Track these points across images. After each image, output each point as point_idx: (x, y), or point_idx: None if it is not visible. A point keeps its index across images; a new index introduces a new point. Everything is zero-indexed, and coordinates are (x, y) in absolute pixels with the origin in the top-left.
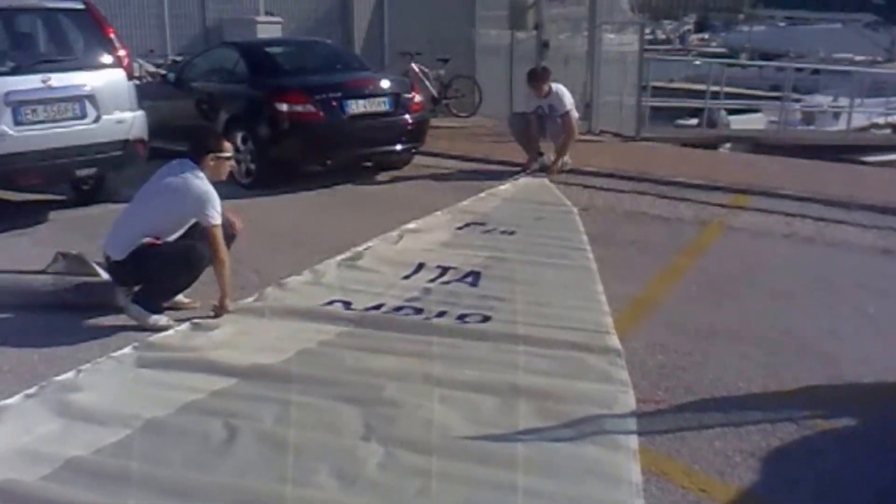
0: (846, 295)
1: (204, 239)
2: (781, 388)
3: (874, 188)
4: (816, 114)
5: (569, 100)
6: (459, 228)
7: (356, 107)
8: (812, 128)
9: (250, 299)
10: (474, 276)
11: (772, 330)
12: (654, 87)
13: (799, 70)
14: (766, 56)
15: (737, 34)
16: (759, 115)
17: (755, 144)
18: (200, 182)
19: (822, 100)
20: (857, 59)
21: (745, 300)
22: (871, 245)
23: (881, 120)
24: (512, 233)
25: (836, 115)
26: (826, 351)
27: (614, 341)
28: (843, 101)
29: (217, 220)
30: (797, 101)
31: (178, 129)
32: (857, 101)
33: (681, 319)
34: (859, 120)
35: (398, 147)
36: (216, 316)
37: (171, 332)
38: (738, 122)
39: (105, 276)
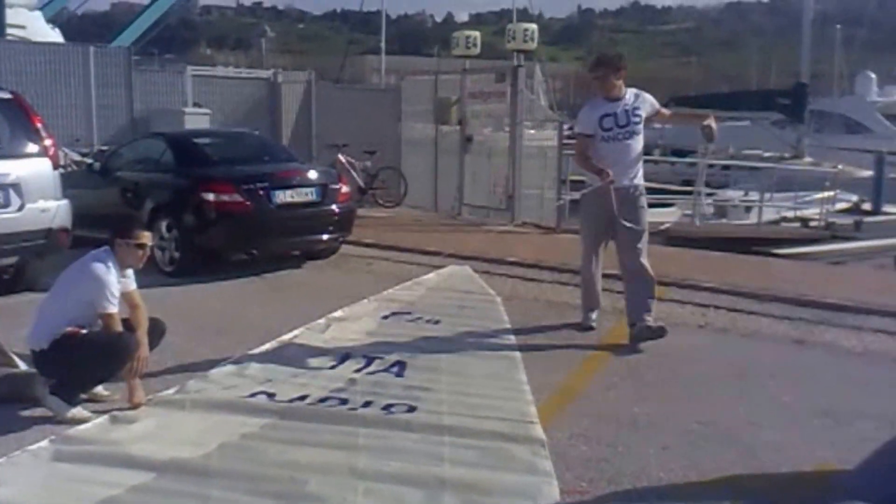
0: (762, 384)
1: (130, 328)
2: (702, 477)
3: (785, 280)
4: (728, 207)
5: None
6: (385, 317)
7: (283, 197)
8: (724, 221)
9: (171, 391)
10: (400, 366)
11: (691, 420)
12: (573, 181)
13: (711, 165)
14: (679, 152)
15: (650, 131)
16: (672, 208)
17: (669, 237)
18: (99, 267)
19: (734, 194)
20: (766, 156)
21: (665, 390)
22: (784, 335)
23: (790, 214)
24: (437, 322)
25: (748, 209)
26: (744, 440)
27: (538, 431)
28: (754, 196)
29: (109, 308)
30: (710, 195)
31: (103, 218)
32: (767, 195)
33: (603, 409)
34: (770, 214)
35: (325, 236)
36: (135, 408)
37: (89, 424)
38: (653, 216)
39: (24, 366)
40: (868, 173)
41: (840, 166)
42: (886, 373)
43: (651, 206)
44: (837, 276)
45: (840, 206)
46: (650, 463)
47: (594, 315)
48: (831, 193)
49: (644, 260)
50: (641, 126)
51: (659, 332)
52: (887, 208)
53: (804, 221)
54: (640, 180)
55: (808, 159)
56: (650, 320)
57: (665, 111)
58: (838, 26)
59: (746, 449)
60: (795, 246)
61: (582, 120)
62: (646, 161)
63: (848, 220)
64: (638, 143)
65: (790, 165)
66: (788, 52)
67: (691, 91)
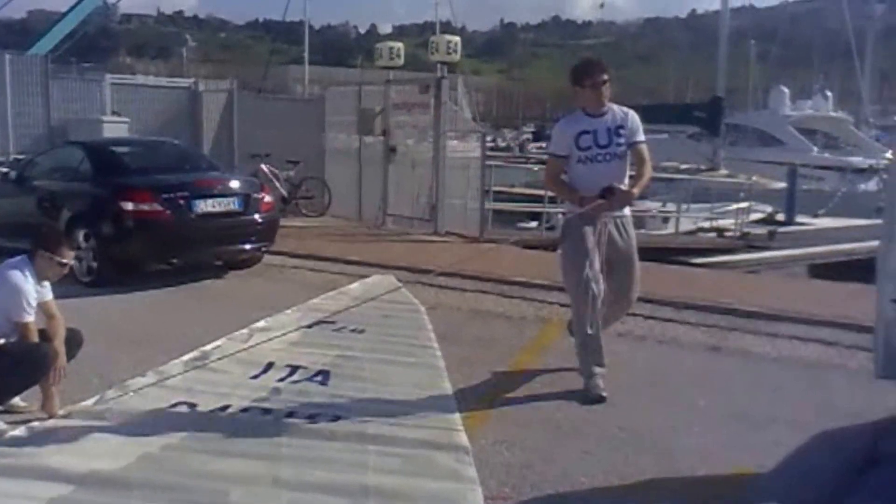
0: (679, 390)
1: (47, 340)
2: (623, 482)
3: (702, 288)
4: (647, 218)
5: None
6: (309, 327)
7: (204, 206)
8: (643, 231)
9: (90, 402)
10: (324, 375)
11: (612, 426)
12: (496, 192)
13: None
14: None
15: None
16: None
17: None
18: (16, 275)
19: (652, 205)
20: (683, 168)
21: (584, 395)
22: (701, 342)
23: (707, 224)
24: (361, 331)
25: (665, 220)
26: (663, 445)
27: (462, 438)
28: (672, 207)
29: (26, 317)
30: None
31: (18, 227)
32: (684, 206)
33: (526, 416)
34: (687, 224)
35: (247, 246)
36: (51, 418)
37: (5, 436)
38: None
39: None
40: (781, 185)
41: (754, 178)
42: (799, 378)
43: None
44: (752, 285)
45: (754, 216)
46: (572, 468)
47: (600, 381)
48: (746, 204)
49: (635, 297)
50: (625, 148)
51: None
52: (800, 219)
53: (720, 232)
54: (626, 210)
55: (723, 171)
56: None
57: (641, 157)
58: (753, 42)
59: (665, 453)
60: (711, 255)
61: (555, 138)
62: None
63: (762, 231)
64: (621, 167)
65: (706, 177)
66: (705, 67)
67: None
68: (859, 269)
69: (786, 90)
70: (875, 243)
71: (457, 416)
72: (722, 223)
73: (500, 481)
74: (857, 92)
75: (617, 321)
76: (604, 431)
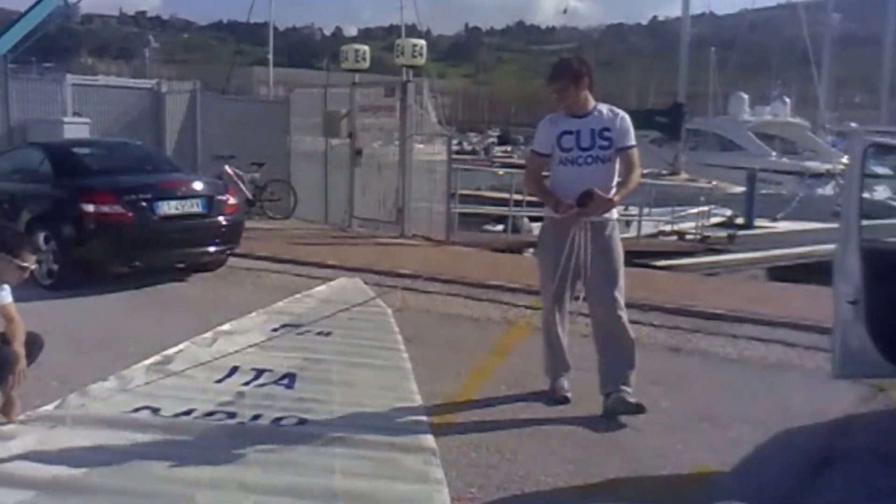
0: (642, 391)
1: (7, 343)
2: (587, 482)
3: (663, 290)
4: None
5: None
6: (275, 330)
7: (167, 208)
8: None
9: (51, 407)
10: (290, 379)
11: (577, 426)
12: (462, 195)
13: None
14: None
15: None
16: None
17: None
18: None
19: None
20: (645, 172)
21: (548, 395)
22: (663, 343)
23: (668, 227)
24: (328, 334)
25: (627, 223)
26: (627, 445)
27: (429, 440)
28: (633, 210)
29: None
30: None
31: None
32: (646, 210)
33: (492, 417)
34: (648, 227)
35: (211, 248)
36: (10, 423)
37: None
38: (537, 229)
39: None
40: (740, 189)
41: (714, 182)
42: (759, 378)
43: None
44: (712, 287)
45: (714, 220)
46: (537, 468)
47: (565, 382)
48: (706, 208)
49: (621, 314)
50: (612, 151)
51: (637, 409)
52: (759, 222)
53: (681, 235)
54: (610, 214)
55: (684, 176)
56: (629, 392)
57: (630, 162)
58: (713, 49)
59: (629, 453)
60: (673, 258)
61: (538, 135)
62: None
63: (722, 234)
64: (606, 172)
65: (668, 181)
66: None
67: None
68: (817, 272)
69: (745, 96)
70: (832, 246)
71: (423, 418)
72: (683, 226)
73: (466, 482)
74: (814, 98)
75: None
76: (568, 432)
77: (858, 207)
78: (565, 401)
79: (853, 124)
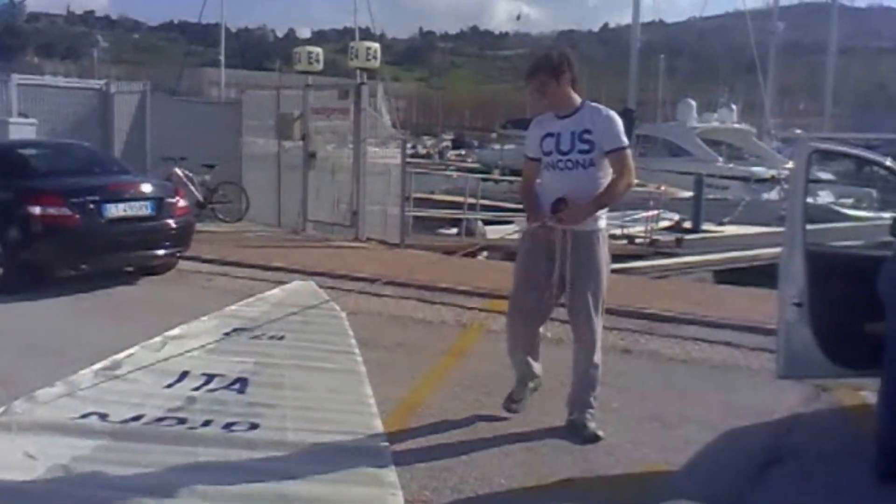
0: None
1: None
2: (540, 482)
3: (613, 292)
4: None
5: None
6: (226, 334)
7: (115, 210)
8: None
9: None
10: (242, 383)
11: (530, 427)
12: (417, 198)
13: None
14: (517, 172)
15: (490, 151)
16: (512, 225)
17: (509, 252)
18: None
19: None
20: None
21: (502, 398)
22: (613, 345)
23: (618, 231)
24: (280, 338)
25: None
26: (579, 445)
27: (384, 444)
28: None
29: None
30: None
31: None
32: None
33: (446, 419)
34: None
35: (161, 251)
36: None
37: None
38: (494, 232)
39: None
40: (688, 194)
41: (663, 187)
42: (707, 379)
43: (490, 223)
44: (661, 290)
45: (663, 224)
46: (492, 470)
47: (526, 392)
48: (655, 212)
49: (592, 334)
50: (594, 155)
51: (591, 439)
52: (706, 226)
53: (630, 238)
54: (595, 224)
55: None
56: (589, 419)
57: (618, 166)
58: (662, 56)
59: (582, 454)
60: (622, 261)
61: (527, 139)
62: (486, 180)
63: (670, 238)
64: (587, 177)
65: None
66: (616, 80)
67: (527, 114)
68: (762, 275)
69: (693, 103)
70: (777, 250)
71: (377, 421)
72: (632, 230)
73: (420, 485)
74: (759, 105)
75: (593, 397)
76: (522, 433)
77: (803, 212)
78: (515, 412)
79: (798, 131)
